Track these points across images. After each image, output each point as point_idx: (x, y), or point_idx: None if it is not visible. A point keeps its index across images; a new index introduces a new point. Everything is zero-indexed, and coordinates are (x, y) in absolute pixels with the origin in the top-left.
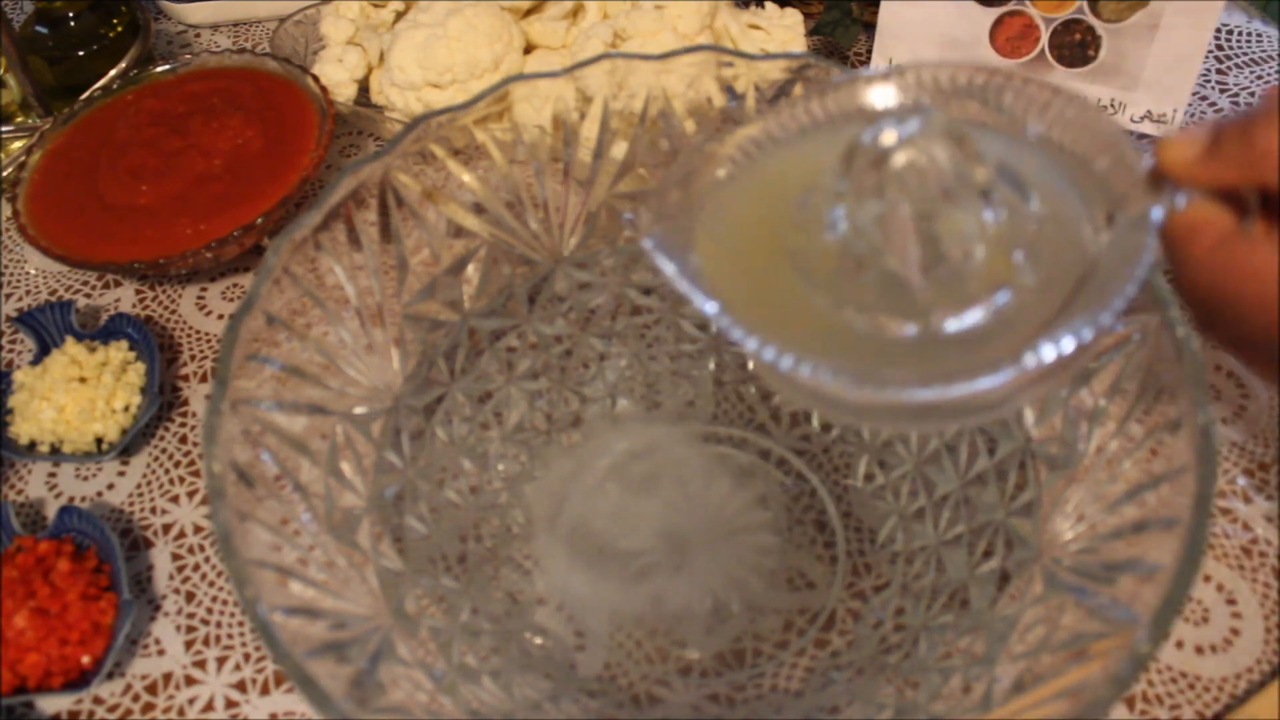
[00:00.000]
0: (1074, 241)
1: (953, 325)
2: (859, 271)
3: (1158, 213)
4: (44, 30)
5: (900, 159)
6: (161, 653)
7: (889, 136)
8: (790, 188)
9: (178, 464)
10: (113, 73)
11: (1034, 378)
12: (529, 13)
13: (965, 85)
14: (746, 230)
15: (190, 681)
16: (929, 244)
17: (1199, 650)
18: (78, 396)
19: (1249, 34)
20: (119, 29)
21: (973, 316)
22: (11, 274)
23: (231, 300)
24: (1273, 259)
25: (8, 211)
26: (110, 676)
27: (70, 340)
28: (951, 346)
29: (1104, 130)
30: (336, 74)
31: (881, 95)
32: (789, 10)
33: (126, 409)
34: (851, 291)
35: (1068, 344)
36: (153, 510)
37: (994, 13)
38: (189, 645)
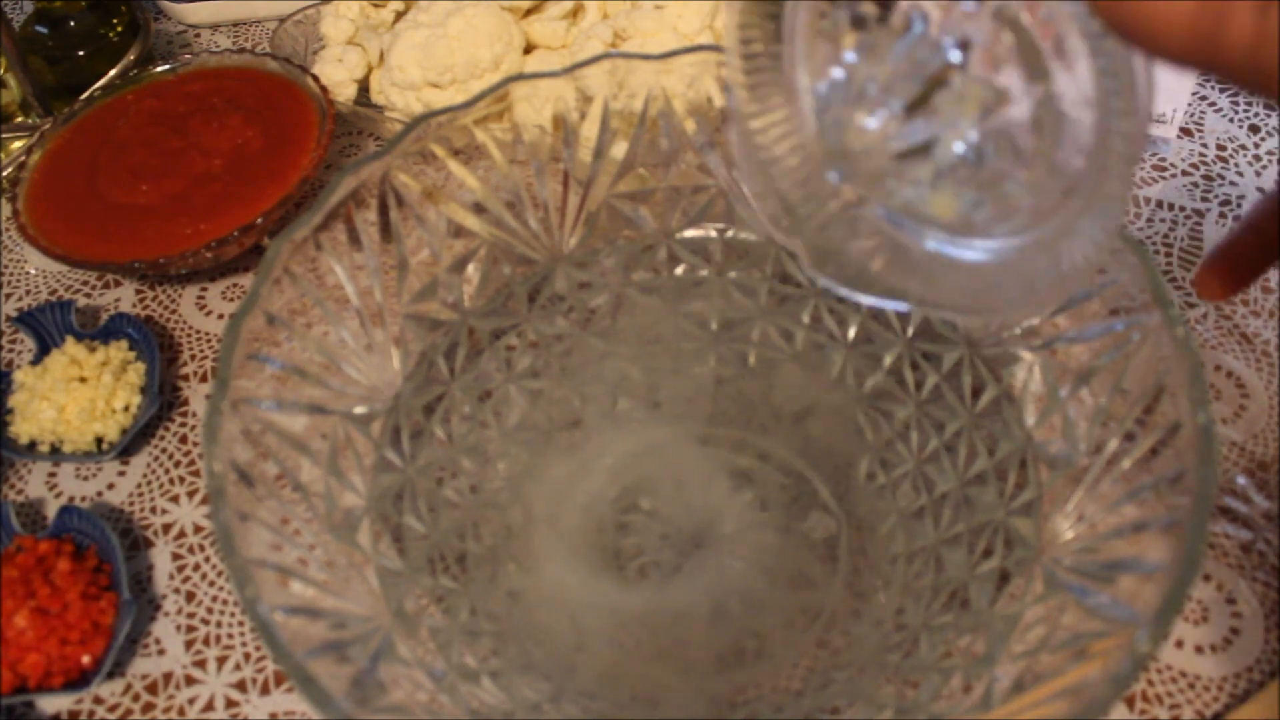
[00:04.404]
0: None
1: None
2: None
3: None
4: (44, 30)
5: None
6: (162, 652)
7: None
8: None
9: (178, 464)
10: (113, 73)
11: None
12: (529, 13)
13: None
14: None
15: (190, 681)
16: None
17: (1199, 650)
18: (78, 396)
19: None
20: (119, 29)
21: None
22: (11, 274)
23: (231, 300)
24: None
25: (8, 211)
26: (110, 676)
27: (70, 340)
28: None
29: None
30: (336, 74)
31: None
32: None
33: (126, 409)
34: None
35: None
36: (153, 510)
37: None
38: (189, 645)
